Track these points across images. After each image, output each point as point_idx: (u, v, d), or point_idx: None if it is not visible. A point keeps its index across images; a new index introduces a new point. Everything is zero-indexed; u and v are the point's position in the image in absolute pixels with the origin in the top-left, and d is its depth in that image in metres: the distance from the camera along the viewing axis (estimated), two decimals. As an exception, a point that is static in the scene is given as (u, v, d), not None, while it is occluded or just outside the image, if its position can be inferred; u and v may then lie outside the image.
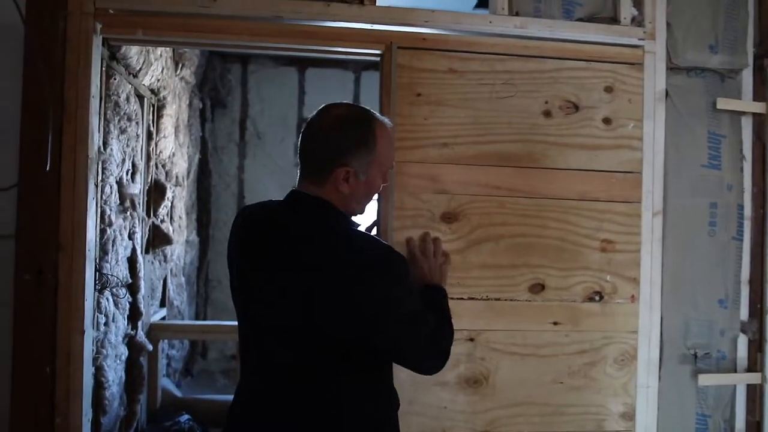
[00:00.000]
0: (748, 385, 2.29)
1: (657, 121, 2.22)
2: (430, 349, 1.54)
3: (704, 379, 2.23)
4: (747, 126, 2.31)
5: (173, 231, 3.85)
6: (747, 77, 2.32)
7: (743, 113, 2.30)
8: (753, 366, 2.28)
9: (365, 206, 1.59)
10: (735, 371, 2.28)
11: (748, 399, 2.30)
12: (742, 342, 2.29)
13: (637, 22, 2.23)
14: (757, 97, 2.31)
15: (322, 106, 1.54)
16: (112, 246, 2.64)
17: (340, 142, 1.46)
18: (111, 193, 2.62)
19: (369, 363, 1.51)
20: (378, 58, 2.15)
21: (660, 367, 2.23)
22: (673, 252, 2.24)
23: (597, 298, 2.17)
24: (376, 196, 1.64)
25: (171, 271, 4.05)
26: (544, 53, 2.16)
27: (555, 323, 2.15)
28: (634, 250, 2.20)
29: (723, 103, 2.27)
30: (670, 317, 2.24)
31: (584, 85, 2.18)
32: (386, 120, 1.55)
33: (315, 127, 1.50)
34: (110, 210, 2.60)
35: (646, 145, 2.21)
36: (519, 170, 2.13)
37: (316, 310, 1.41)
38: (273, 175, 5.47)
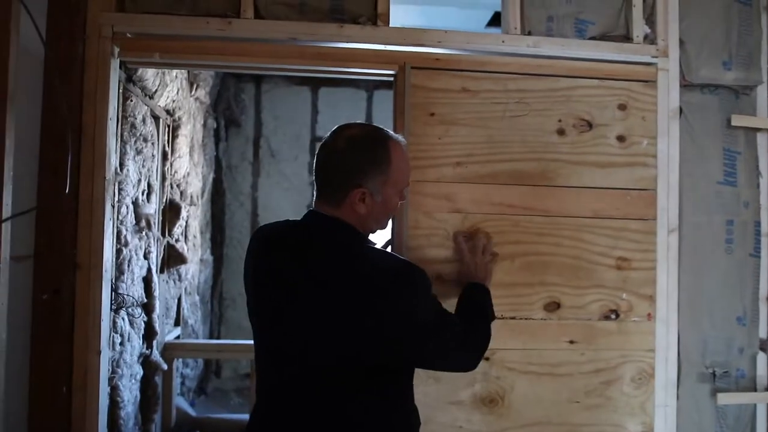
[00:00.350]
0: (769, 405, 2.26)
1: (671, 139, 2.22)
2: (459, 350, 1.56)
3: (723, 398, 2.20)
4: (762, 142, 2.30)
5: (188, 250, 3.87)
6: (762, 93, 2.31)
7: (758, 129, 2.29)
8: (773, 385, 2.25)
9: (385, 224, 1.60)
10: (755, 390, 2.24)
11: (769, 418, 2.26)
12: (762, 360, 2.26)
13: (650, 39, 2.24)
14: (772, 113, 2.30)
15: (336, 127, 1.55)
16: (128, 266, 2.65)
17: (354, 164, 1.47)
18: (127, 213, 2.65)
19: (389, 381, 1.50)
20: (392, 78, 2.17)
21: (678, 386, 2.20)
22: (689, 269, 2.22)
23: (613, 316, 2.16)
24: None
25: (185, 290, 4.07)
26: (557, 72, 2.17)
27: (571, 342, 2.13)
28: (649, 267, 2.18)
29: (738, 120, 2.26)
30: (687, 335, 2.21)
31: (598, 103, 2.19)
32: (400, 138, 1.55)
33: (329, 149, 1.51)
34: (126, 230, 2.62)
35: (661, 162, 2.21)
36: (533, 189, 2.13)
37: (337, 329, 1.41)
38: (287, 193, 5.50)
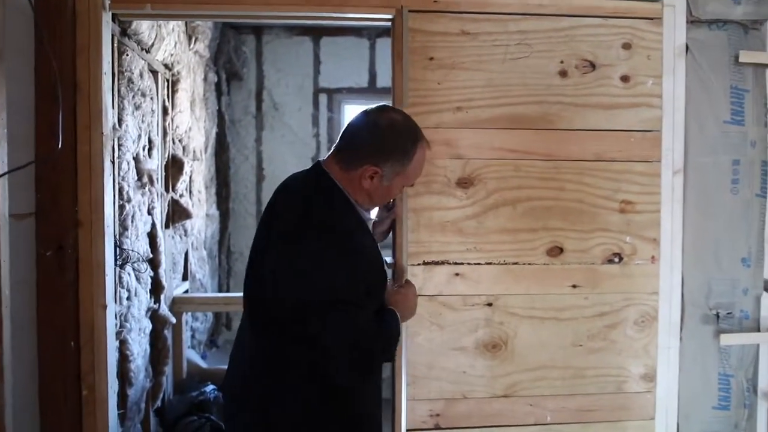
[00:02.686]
0: (773, 344, 2.26)
1: (677, 78, 2.17)
2: (341, 342, 1.54)
3: (726, 339, 2.20)
4: (771, 79, 2.24)
5: (192, 205, 3.87)
6: (771, 29, 2.24)
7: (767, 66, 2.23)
8: (777, 325, 2.25)
9: (377, 205, 1.74)
10: (758, 330, 2.24)
11: (773, 358, 2.27)
12: (766, 300, 2.25)
13: (655, -25, 2.17)
14: (781, 49, 2.24)
15: (384, 104, 1.68)
16: (132, 222, 2.65)
17: (383, 145, 1.58)
18: (128, 169, 2.63)
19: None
20: (389, 23, 2.12)
21: (681, 328, 2.21)
22: (694, 211, 2.20)
23: (616, 259, 2.15)
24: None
25: (192, 244, 4.09)
26: (559, 11, 2.11)
27: (574, 286, 2.13)
28: (654, 210, 2.16)
29: (746, 56, 2.20)
30: (691, 277, 2.20)
31: (601, 43, 2.13)
32: (425, 140, 1.66)
33: (371, 121, 1.61)
34: (128, 186, 2.61)
35: (666, 102, 2.16)
36: (535, 132, 2.10)
37: (266, 276, 1.57)
38: (291, 145, 5.46)
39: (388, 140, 1.58)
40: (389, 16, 2.09)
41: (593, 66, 2.13)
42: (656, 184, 2.16)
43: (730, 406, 2.24)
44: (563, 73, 2.11)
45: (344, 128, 1.64)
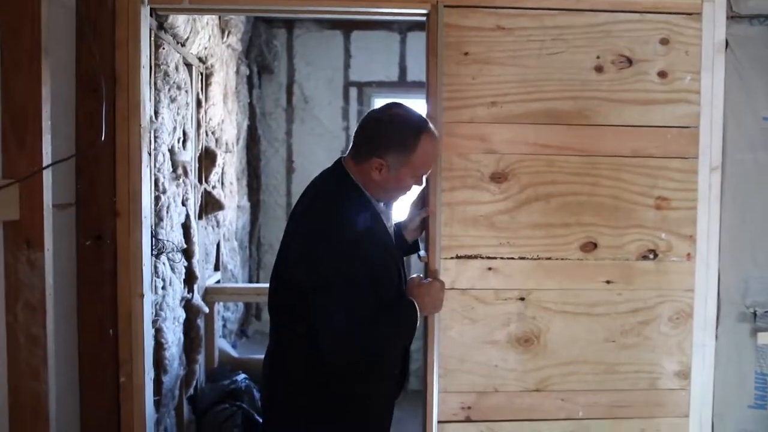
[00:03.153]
0: (810, 344, 2.23)
1: (716, 74, 2.14)
2: (341, 326, 1.62)
3: (764, 338, 2.18)
4: (813, 75, 2.20)
5: (225, 197, 3.92)
6: (814, 23, 2.20)
7: (810, 62, 2.19)
8: (815, 324, 2.22)
9: (393, 198, 1.84)
10: (796, 329, 2.22)
11: (810, 358, 2.24)
12: (804, 299, 2.22)
13: (695, -31, 2.13)
14: (824, 44, 2.19)
15: (391, 102, 1.80)
16: (167, 212, 2.70)
17: (383, 139, 1.71)
18: (164, 161, 2.67)
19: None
20: (424, 18, 2.12)
21: (717, 326, 2.18)
22: (731, 208, 2.17)
23: (651, 256, 2.13)
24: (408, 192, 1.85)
25: (224, 235, 4.13)
26: (596, 6, 2.09)
27: (608, 282, 2.12)
28: (690, 207, 2.14)
29: (787, 52, 2.16)
30: (728, 275, 2.18)
31: (638, 38, 2.11)
32: (436, 133, 1.79)
33: (374, 117, 1.77)
34: (164, 177, 2.66)
35: (704, 98, 2.13)
36: (569, 128, 2.09)
37: (281, 266, 1.78)
38: (321, 138, 5.48)
39: (388, 133, 1.71)
40: (424, 11, 2.09)
41: (630, 61, 2.11)
42: (693, 181, 2.14)
43: (767, 406, 2.22)
44: (599, 69, 2.10)
45: (357, 127, 1.79)
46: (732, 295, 2.19)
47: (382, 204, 1.82)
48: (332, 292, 1.61)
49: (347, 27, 5.40)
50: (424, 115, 1.83)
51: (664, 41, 2.11)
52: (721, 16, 2.13)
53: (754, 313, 2.19)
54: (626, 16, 2.10)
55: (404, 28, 5.34)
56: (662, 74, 2.11)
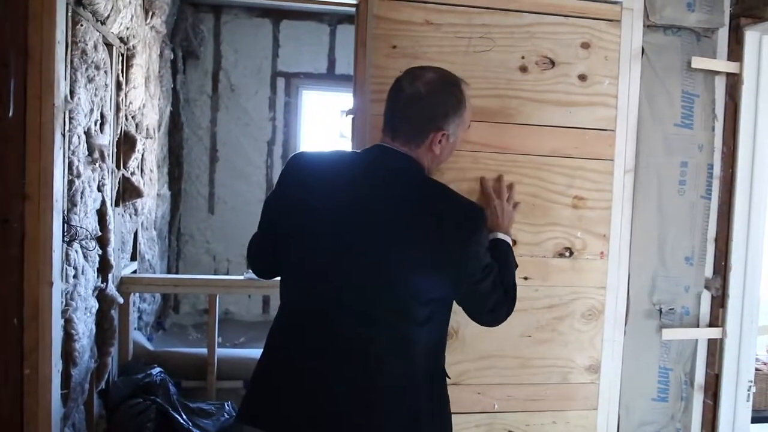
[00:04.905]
0: (709, 340, 2.36)
1: (632, 79, 2.23)
2: (499, 295, 1.62)
3: (668, 334, 2.29)
4: (720, 86, 2.32)
5: (144, 184, 3.79)
6: (722, 37, 2.32)
7: (717, 73, 2.31)
8: (714, 321, 2.35)
9: (439, 166, 1.73)
10: (698, 326, 2.34)
11: (709, 353, 2.37)
12: (706, 298, 2.35)
13: (616, -23, 2.21)
14: (731, 56, 2.32)
15: (409, 71, 1.60)
16: (81, 198, 2.58)
17: (438, 108, 1.54)
18: (79, 143, 2.56)
19: (444, 322, 1.61)
20: (354, 9, 2.11)
21: (626, 322, 2.28)
22: (642, 209, 2.27)
23: (567, 254, 2.20)
24: None
25: (142, 224, 4.01)
26: (522, 7, 2.14)
27: (525, 278, 2.17)
28: (605, 207, 2.22)
29: (698, 62, 2.27)
30: (637, 274, 2.28)
31: (561, 41, 2.17)
32: (464, 81, 1.63)
33: (410, 94, 1.54)
34: (78, 161, 2.54)
35: (621, 102, 2.22)
36: (494, 125, 2.12)
37: (412, 263, 1.46)
38: (246, 128, 5.40)
39: (439, 101, 1.54)
40: (354, 2, 2.08)
41: (553, 63, 2.16)
42: (608, 182, 2.22)
43: (668, 398, 2.33)
44: (524, 69, 2.15)
45: (393, 110, 1.58)
46: (641, 292, 2.29)
47: None
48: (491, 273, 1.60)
49: (277, 16, 5.33)
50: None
51: (586, 45, 2.18)
52: (638, 24, 2.22)
53: (660, 311, 2.30)
54: (551, 18, 2.15)
55: (334, 20, 5.32)
56: (582, 77, 2.18)
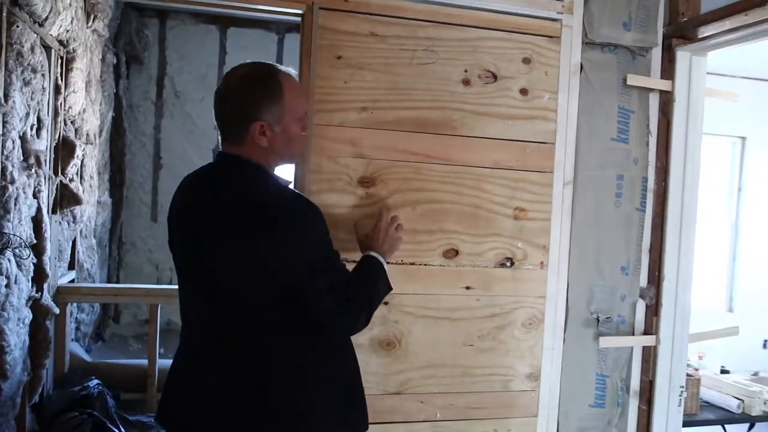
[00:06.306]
0: (644, 347, 2.44)
1: (571, 94, 2.29)
2: (342, 298, 1.52)
3: (605, 342, 2.35)
4: (654, 102, 2.42)
5: (83, 191, 3.69)
6: (656, 55, 2.42)
7: (651, 90, 2.40)
8: (649, 329, 2.42)
9: (293, 156, 1.66)
10: (633, 334, 2.41)
11: (643, 360, 2.44)
12: (641, 307, 2.43)
13: (556, -5, 2.28)
14: (664, 75, 2.41)
15: (226, 73, 1.59)
16: (15, 204, 2.49)
17: (248, 99, 1.51)
18: (13, 148, 2.47)
19: (286, 321, 1.51)
20: (299, 18, 2.11)
21: (565, 331, 2.33)
22: (581, 221, 2.33)
23: (508, 263, 2.24)
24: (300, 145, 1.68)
25: (81, 232, 3.89)
26: (465, 21, 2.18)
27: (467, 288, 2.20)
28: (545, 218, 2.27)
29: (633, 80, 2.36)
30: (576, 283, 2.34)
31: (504, 56, 2.22)
32: (290, 70, 1.59)
33: (223, 92, 1.55)
34: (12, 166, 2.46)
35: (560, 116, 2.28)
36: (436, 137, 2.15)
37: (238, 266, 1.46)
38: (191, 135, 5.32)
39: (249, 92, 1.52)
40: (299, 12, 2.08)
41: (495, 77, 2.21)
42: (548, 194, 2.27)
43: (605, 404, 2.39)
44: (466, 82, 2.18)
45: (215, 114, 1.58)
46: (579, 302, 2.35)
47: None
48: (330, 271, 1.51)
49: (224, 23, 5.29)
50: None
51: (527, 60, 2.24)
52: (577, 41, 2.29)
53: (597, 319, 2.36)
54: (493, 33, 2.20)
55: (282, 29, 5.31)
56: (524, 91, 2.24)
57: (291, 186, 1.62)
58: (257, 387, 1.50)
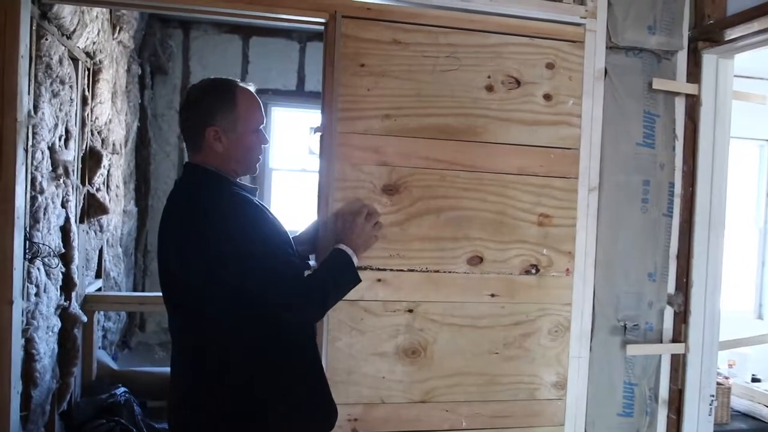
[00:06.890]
0: (672, 355, 2.40)
1: (596, 99, 2.27)
2: (282, 291, 1.58)
3: (632, 350, 2.32)
4: (680, 106, 2.38)
5: (110, 200, 3.74)
6: (682, 59, 2.39)
7: (677, 94, 2.37)
8: (677, 337, 2.39)
9: (250, 165, 1.74)
10: (661, 342, 2.37)
11: (672, 368, 2.40)
12: (668, 314, 2.39)
13: (580, 0, 2.27)
14: (690, 78, 2.38)
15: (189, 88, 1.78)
16: (44, 214, 2.54)
17: (204, 106, 1.65)
18: (43, 159, 2.52)
19: (236, 317, 1.60)
20: (322, 27, 2.12)
21: (591, 338, 2.30)
22: (606, 227, 2.31)
23: (533, 270, 2.22)
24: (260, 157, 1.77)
25: (107, 241, 3.94)
26: (487, 27, 2.17)
27: (492, 295, 2.19)
28: (570, 224, 2.25)
29: (658, 84, 2.33)
30: (602, 290, 2.31)
31: (526, 61, 2.21)
32: (249, 85, 1.72)
33: (184, 102, 1.71)
34: (42, 177, 2.50)
35: (585, 122, 2.26)
36: (460, 144, 2.15)
37: (173, 268, 1.63)
38: (215, 145, 5.35)
39: (203, 101, 1.65)
40: (322, 20, 2.09)
41: (518, 83, 2.20)
42: (573, 200, 2.25)
43: (633, 413, 2.36)
44: (490, 88, 2.18)
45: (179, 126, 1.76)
46: (605, 309, 2.32)
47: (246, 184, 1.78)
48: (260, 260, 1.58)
49: (246, 32, 5.33)
50: None
51: (550, 66, 2.22)
52: (601, 46, 2.27)
53: (624, 327, 2.33)
54: (516, 39, 2.19)
55: (304, 37, 5.34)
56: (547, 97, 2.22)
57: (255, 193, 1.75)
58: (217, 385, 1.61)
